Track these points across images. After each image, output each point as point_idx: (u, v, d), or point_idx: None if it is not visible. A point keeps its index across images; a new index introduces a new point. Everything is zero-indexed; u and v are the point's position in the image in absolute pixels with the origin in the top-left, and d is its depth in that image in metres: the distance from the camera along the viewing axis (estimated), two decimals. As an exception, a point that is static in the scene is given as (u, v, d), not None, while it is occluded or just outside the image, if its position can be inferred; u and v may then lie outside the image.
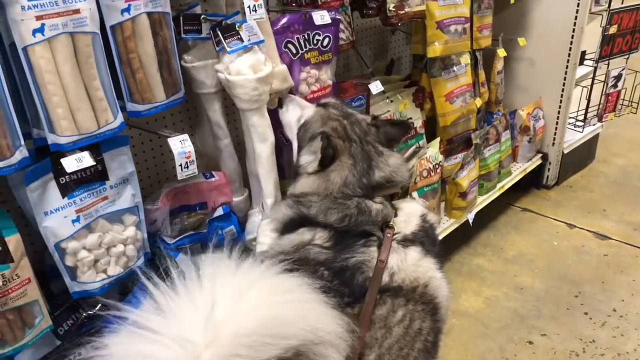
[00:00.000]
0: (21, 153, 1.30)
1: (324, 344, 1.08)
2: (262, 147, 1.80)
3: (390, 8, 2.23)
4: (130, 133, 1.91)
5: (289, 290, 1.09)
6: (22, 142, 1.31)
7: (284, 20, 1.90)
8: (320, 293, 1.14)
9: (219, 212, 1.95)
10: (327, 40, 1.99)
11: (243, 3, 1.65)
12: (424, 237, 1.47)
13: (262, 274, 1.10)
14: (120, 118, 1.49)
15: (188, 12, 1.87)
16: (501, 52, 3.03)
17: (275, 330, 1.01)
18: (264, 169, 1.82)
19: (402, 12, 2.26)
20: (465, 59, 2.73)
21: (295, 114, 1.73)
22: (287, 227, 1.50)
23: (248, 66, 1.71)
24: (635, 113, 3.81)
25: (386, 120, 1.95)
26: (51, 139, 1.35)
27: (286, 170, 2.23)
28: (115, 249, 1.57)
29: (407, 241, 1.44)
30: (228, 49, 1.69)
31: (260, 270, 1.12)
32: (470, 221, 2.87)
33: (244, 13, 1.70)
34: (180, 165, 1.60)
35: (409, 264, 1.38)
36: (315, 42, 1.97)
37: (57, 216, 1.43)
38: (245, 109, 1.76)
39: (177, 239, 1.88)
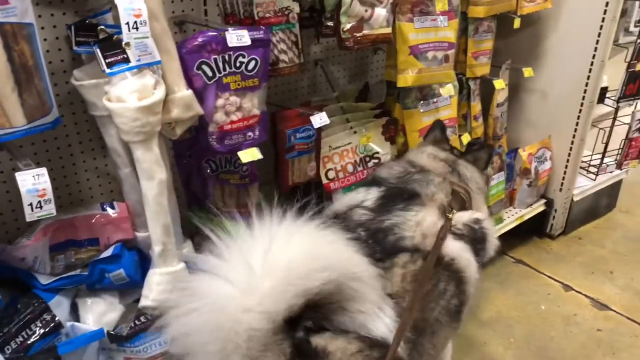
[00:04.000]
0: None
1: (359, 280, 1.25)
2: (148, 186, 1.53)
3: (345, 29, 1.90)
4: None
5: (329, 236, 1.26)
6: None
7: (200, 38, 1.62)
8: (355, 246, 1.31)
9: (108, 252, 1.69)
10: (253, 63, 1.70)
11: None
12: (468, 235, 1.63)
13: (305, 226, 1.26)
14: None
15: (89, 20, 1.63)
16: (498, 84, 2.64)
17: (320, 263, 1.18)
18: (149, 211, 1.55)
19: (359, 34, 1.93)
20: (449, 90, 2.38)
21: None
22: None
23: (131, 92, 1.44)
24: (666, 161, 3.32)
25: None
26: None
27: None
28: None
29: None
30: (107, 70, 1.43)
31: (301, 223, 1.26)
32: (442, 274, 2.51)
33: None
34: (31, 204, 1.35)
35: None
36: (237, 64, 1.68)
37: None
38: (127, 141, 1.49)
39: (53, 279, 1.64)
